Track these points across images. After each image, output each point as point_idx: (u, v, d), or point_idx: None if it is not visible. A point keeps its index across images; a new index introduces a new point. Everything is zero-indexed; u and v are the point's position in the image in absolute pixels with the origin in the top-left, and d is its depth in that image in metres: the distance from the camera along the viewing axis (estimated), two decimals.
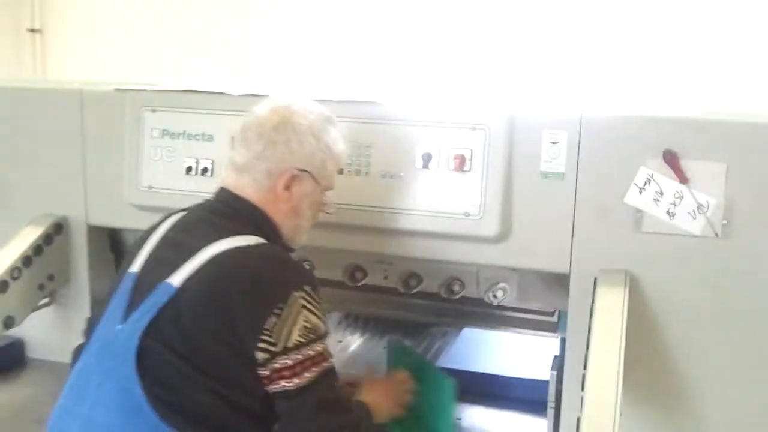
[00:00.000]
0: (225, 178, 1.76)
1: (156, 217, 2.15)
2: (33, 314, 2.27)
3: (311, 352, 1.56)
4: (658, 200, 1.83)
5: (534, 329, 2.25)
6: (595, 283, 1.86)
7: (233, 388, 1.55)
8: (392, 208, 1.98)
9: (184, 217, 1.76)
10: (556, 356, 2.14)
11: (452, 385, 1.99)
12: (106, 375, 1.58)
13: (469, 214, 1.94)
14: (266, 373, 1.55)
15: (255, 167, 1.71)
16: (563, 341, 2.04)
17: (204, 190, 2.09)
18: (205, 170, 2.13)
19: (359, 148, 2.00)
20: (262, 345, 1.53)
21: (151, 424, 1.51)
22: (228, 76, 4.40)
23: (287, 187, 1.71)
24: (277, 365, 1.53)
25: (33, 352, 2.42)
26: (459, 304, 2.26)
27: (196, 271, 1.57)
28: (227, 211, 1.71)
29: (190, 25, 4.90)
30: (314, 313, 1.58)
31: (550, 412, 2.03)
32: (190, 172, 2.14)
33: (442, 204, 1.95)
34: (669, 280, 1.86)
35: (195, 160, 2.14)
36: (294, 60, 4.63)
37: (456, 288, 2.22)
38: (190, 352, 1.55)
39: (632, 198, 1.85)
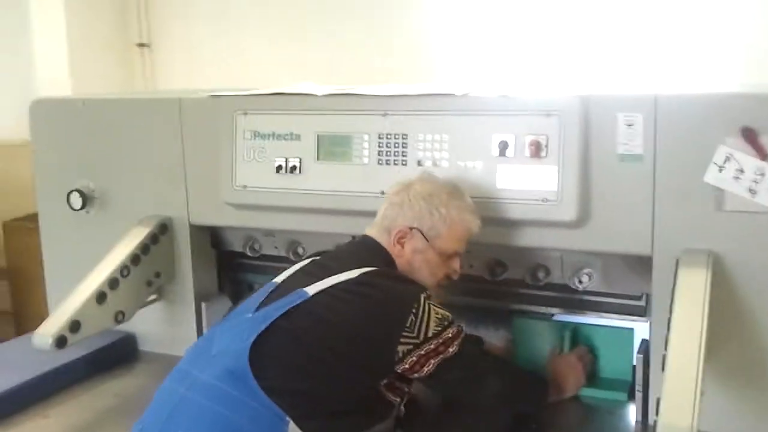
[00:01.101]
0: (367, 229, 2.01)
1: (253, 214, 2.30)
2: (142, 310, 2.43)
3: (449, 335, 1.80)
4: (738, 178, 1.81)
5: (622, 313, 2.25)
6: (677, 264, 1.85)
7: (348, 381, 1.75)
8: (472, 197, 2.02)
9: (332, 250, 2.03)
10: (643, 340, 2.13)
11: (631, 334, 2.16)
12: (224, 350, 1.75)
13: (547, 200, 1.97)
14: (410, 363, 1.76)
15: (380, 224, 1.97)
16: (651, 325, 2.04)
17: (294, 187, 2.22)
18: (294, 168, 2.23)
19: (436, 140, 2.06)
20: (404, 340, 1.75)
21: (251, 393, 1.66)
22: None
23: (400, 242, 1.93)
24: (422, 352, 1.76)
25: (144, 345, 2.58)
26: (546, 290, 2.28)
27: (331, 285, 1.79)
28: (365, 249, 1.96)
29: (286, 36, 5.07)
30: (438, 307, 1.82)
31: (638, 395, 2.03)
32: (281, 171, 2.25)
33: (519, 191, 1.99)
34: (753, 259, 1.84)
35: (284, 159, 2.25)
36: (374, 63, 4.72)
37: (541, 274, 2.25)
38: (315, 347, 1.74)
39: (712, 177, 1.83)
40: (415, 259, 1.93)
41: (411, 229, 1.92)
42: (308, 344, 1.73)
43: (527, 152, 1.97)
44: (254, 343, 1.70)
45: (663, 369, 1.65)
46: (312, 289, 1.78)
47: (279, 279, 1.90)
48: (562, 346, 2.26)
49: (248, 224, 2.39)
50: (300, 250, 2.51)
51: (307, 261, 1.97)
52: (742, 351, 1.87)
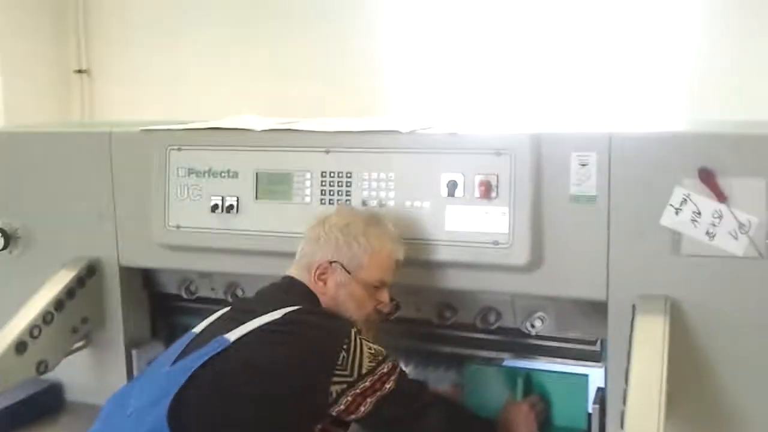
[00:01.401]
0: (288, 270, 1.90)
1: (187, 256, 2.17)
2: (70, 357, 2.27)
3: (384, 370, 1.71)
4: (696, 221, 1.74)
5: (577, 359, 2.16)
6: (633, 311, 1.77)
7: (278, 429, 1.64)
8: (418, 239, 1.92)
9: (256, 293, 1.91)
10: (599, 388, 2.04)
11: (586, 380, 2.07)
12: (141, 409, 1.62)
13: (498, 243, 1.87)
14: (344, 404, 1.66)
15: (299, 263, 1.88)
16: (606, 372, 1.95)
17: (231, 227, 2.10)
18: (230, 207, 2.11)
19: (382, 179, 1.95)
20: (337, 379, 1.65)
21: None
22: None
23: (321, 278, 1.83)
24: (357, 391, 1.66)
25: (71, 394, 2.41)
26: (497, 334, 2.19)
27: (255, 328, 1.67)
28: (287, 289, 1.85)
29: (230, 64, 4.94)
30: (370, 342, 1.73)
31: None
32: (216, 210, 2.12)
33: (469, 233, 1.89)
34: (712, 305, 1.76)
35: (221, 198, 2.12)
36: (322, 94, 4.62)
37: (492, 318, 2.16)
38: (239, 397, 1.61)
39: (669, 219, 1.76)
40: (340, 294, 1.83)
41: (331, 263, 1.82)
42: (233, 393, 1.61)
43: (477, 193, 1.87)
44: (173, 399, 1.57)
45: (622, 426, 1.56)
46: (233, 335, 1.67)
47: (197, 329, 1.78)
48: (514, 394, 2.16)
49: (182, 266, 2.25)
50: (239, 292, 2.38)
51: (226, 309, 1.85)
52: (702, 403, 1.79)
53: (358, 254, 1.82)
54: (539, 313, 2.10)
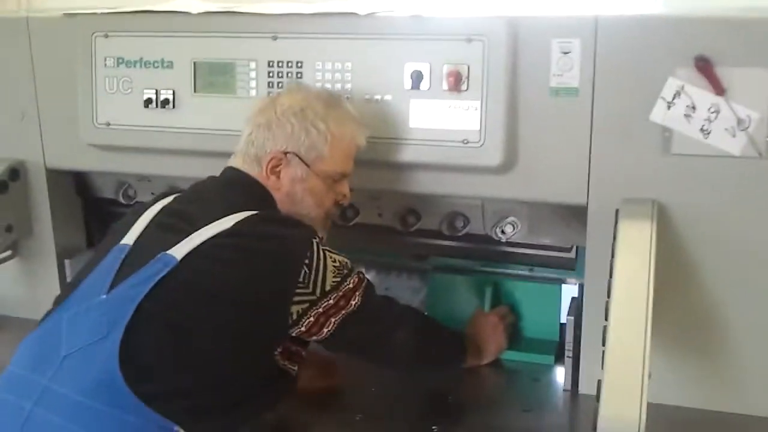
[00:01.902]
0: (230, 160, 1.65)
1: (119, 157, 1.94)
2: None
3: (350, 286, 1.52)
4: (689, 116, 1.55)
5: (550, 266, 2.00)
6: (617, 216, 1.60)
7: (238, 362, 1.42)
8: (379, 137, 1.71)
9: (187, 191, 1.64)
10: (573, 298, 1.90)
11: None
12: (82, 351, 1.36)
13: (468, 141, 1.67)
14: (306, 325, 1.48)
15: (246, 153, 1.62)
16: (581, 286, 1.79)
17: (167, 124, 1.87)
18: (166, 102, 1.87)
19: (337, 69, 1.72)
20: (298, 299, 1.46)
21: (125, 405, 1.31)
22: None
23: (274, 172, 1.59)
24: (320, 310, 1.48)
25: (1, 308, 2.21)
26: (464, 241, 2.01)
27: (202, 243, 1.43)
28: (234, 186, 1.60)
29: None
30: (334, 253, 1.53)
31: (568, 361, 1.79)
32: (150, 105, 1.88)
33: (436, 130, 1.69)
34: (703, 210, 1.60)
35: (154, 91, 1.88)
36: None
37: (459, 224, 1.98)
38: (194, 328, 1.39)
39: (659, 115, 1.57)
40: (296, 190, 1.60)
41: (285, 154, 1.58)
42: (187, 328, 1.38)
43: (445, 85, 1.66)
44: (121, 339, 1.33)
45: (603, 342, 1.40)
46: (178, 251, 1.41)
47: (129, 239, 1.50)
48: (482, 304, 2.00)
49: (114, 168, 2.02)
50: None
51: (157, 208, 1.56)
52: (688, 313, 1.65)
53: (318, 143, 1.58)
54: (511, 219, 1.93)
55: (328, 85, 1.74)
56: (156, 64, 1.87)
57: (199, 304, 1.39)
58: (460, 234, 1.99)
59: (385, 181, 1.77)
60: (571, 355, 1.79)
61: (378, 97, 1.71)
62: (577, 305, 1.82)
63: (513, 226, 1.94)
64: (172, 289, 1.39)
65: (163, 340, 1.37)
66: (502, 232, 1.95)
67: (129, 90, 1.90)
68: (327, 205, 1.64)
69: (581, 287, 1.80)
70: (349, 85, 1.72)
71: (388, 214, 2.00)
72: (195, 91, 1.85)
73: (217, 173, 1.67)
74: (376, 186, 1.80)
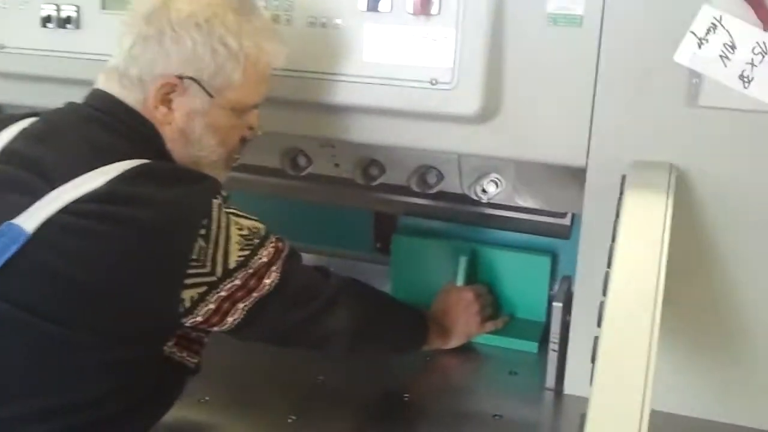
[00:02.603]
0: (98, 79, 1.23)
1: (14, 87, 1.58)
2: None
3: (263, 260, 1.16)
4: (727, 57, 1.18)
5: (538, 234, 1.66)
6: (622, 184, 1.25)
7: (117, 365, 1.10)
8: (326, 73, 1.35)
9: (39, 121, 1.21)
10: (563, 278, 1.56)
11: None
12: None
13: (437, 82, 1.30)
14: (204, 313, 1.12)
15: (124, 72, 1.19)
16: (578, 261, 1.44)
17: (66, 48, 1.50)
18: (67, 20, 1.50)
19: None
20: (191, 281, 1.09)
21: None
22: None
23: (165, 102, 1.19)
24: (223, 293, 1.12)
25: None
26: (437, 199, 1.67)
27: (62, 210, 1.06)
28: (103, 118, 1.18)
29: None
30: (241, 216, 1.17)
31: (553, 355, 1.47)
32: (49, 24, 1.51)
33: (397, 66, 1.32)
34: (737, 181, 1.24)
35: (55, 7, 1.50)
36: None
37: (431, 179, 1.63)
38: (56, 330, 1.05)
39: (686, 54, 1.20)
40: (193, 126, 1.21)
41: (182, 79, 1.18)
42: (46, 331, 1.04)
43: (409, 6, 1.27)
44: None
45: (593, 360, 1.07)
46: (29, 222, 1.05)
47: None
48: (455, 276, 1.67)
49: (6, 100, 1.66)
50: None
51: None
52: (706, 312, 1.32)
53: (226, 66, 1.18)
54: (493, 175, 1.58)
55: (267, 2, 1.36)
56: None
57: (60, 296, 1.05)
58: (432, 191, 1.65)
59: (332, 128, 1.41)
60: (557, 348, 1.46)
61: (324, 20, 1.33)
62: (567, 288, 1.49)
63: (496, 184, 1.59)
64: (23, 275, 1.04)
65: (14, 349, 1.03)
66: (483, 191, 1.61)
67: (24, 4, 1.53)
68: (232, 143, 1.26)
69: (577, 268, 1.45)
70: (287, 3, 1.34)
71: (346, 165, 1.65)
72: (104, 7, 1.48)
73: None
74: (319, 133, 1.44)
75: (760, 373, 1.32)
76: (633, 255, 1.15)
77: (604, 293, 1.13)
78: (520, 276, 1.67)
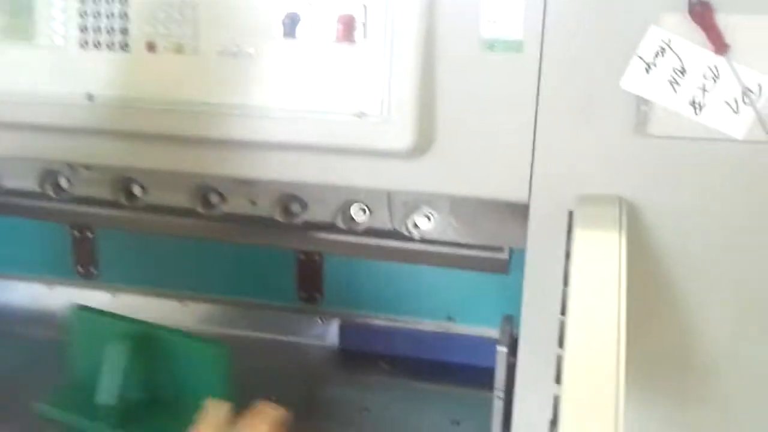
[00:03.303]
0: None
1: None
2: None
3: None
4: (676, 83, 1.09)
5: (474, 269, 1.55)
6: (570, 220, 1.15)
7: None
8: (236, 105, 1.20)
9: None
10: (504, 318, 1.45)
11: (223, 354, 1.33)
12: None
13: (364, 114, 1.18)
14: None
15: None
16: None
17: None
18: None
19: (176, 5, 1.19)
20: None
21: None
22: None
23: None
24: None
25: None
26: (364, 236, 1.54)
27: None
28: None
29: None
30: None
31: (498, 404, 1.35)
32: None
33: (319, 98, 1.18)
34: (691, 213, 1.16)
35: None
36: None
37: (359, 216, 1.50)
38: None
39: (634, 80, 1.11)
40: None
41: None
42: None
43: (333, 32, 1.14)
44: None
45: (557, 380, 0.97)
46: None
47: None
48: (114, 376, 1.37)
49: None
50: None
51: None
52: (667, 351, 1.23)
53: None
54: (426, 209, 1.46)
55: (164, 29, 1.21)
56: None
57: None
58: (359, 228, 1.52)
59: (247, 166, 1.27)
60: (502, 395, 1.35)
61: (236, 48, 1.19)
62: (510, 329, 1.38)
63: (428, 218, 1.47)
64: None
65: None
66: (415, 226, 1.49)
67: None
68: None
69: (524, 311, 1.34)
70: (196, 29, 1.20)
71: (265, 202, 1.51)
72: None
73: (24, 154, 1.14)
74: (234, 173, 1.30)
75: (731, 411, 1.24)
76: (589, 300, 1.05)
77: (561, 344, 1.03)
78: (193, 367, 1.40)
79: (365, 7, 1.13)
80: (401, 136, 1.18)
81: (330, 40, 1.15)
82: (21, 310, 1.87)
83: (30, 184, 1.64)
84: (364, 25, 1.14)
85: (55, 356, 1.67)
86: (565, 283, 1.09)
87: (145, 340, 1.37)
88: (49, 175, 1.63)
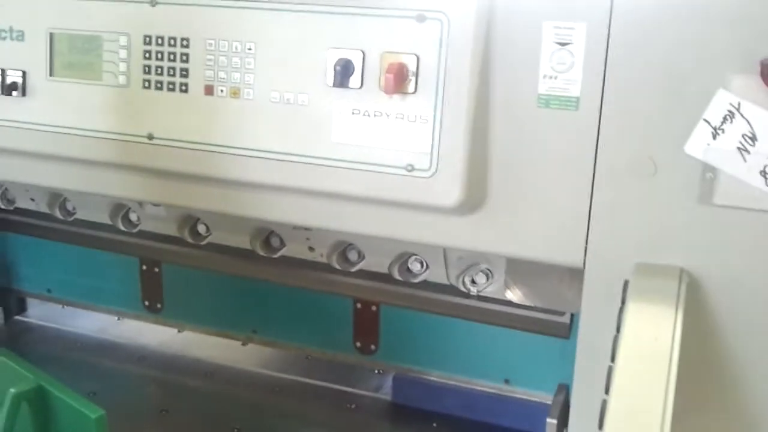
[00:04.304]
0: None
1: None
2: None
3: None
4: (746, 150, 1.01)
5: (532, 330, 1.48)
6: (624, 290, 1.07)
7: None
8: (286, 153, 1.19)
9: None
10: (559, 387, 1.37)
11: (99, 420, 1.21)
12: None
13: (413, 168, 1.14)
14: None
15: None
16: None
17: (14, 117, 1.35)
18: (13, 87, 1.35)
19: (235, 52, 1.20)
20: None
21: None
22: None
23: None
24: None
25: None
26: (420, 289, 1.50)
27: None
28: None
29: None
30: None
31: None
32: None
33: (368, 149, 1.16)
34: (758, 286, 1.06)
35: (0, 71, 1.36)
36: None
37: (415, 268, 1.47)
38: None
39: (699, 146, 1.03)
40: None
41: None
42: None
43: (382, 82, 1.12)
44: None
45: None
46: None
47: None
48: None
49: None
50: (70, 207, 1.70)
51: None
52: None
53: None
54: (483, 266, 1.41)
55: (223, 74, 1.22)
56: (2, 34, 1.36)
57: None
58: (415, 280, 1.49)
59: (299, 213, 1.25)
60: None
61: (289, 96, 1.18)
62: (564, 399, 1.31)
63: (486, 276, 1.43)
64: None
65: None
66: (473, 281, 1.44)
67: None
68: None
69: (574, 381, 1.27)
70: (250, 76, 1.20)
71: (322, 249, 1.49)
72: (51, 73, 1.34)
73: (88, 189, 1.16)
74: (285, 219, 1.28)
75: None
76: (635, 381, 0.97)
77: (600, 425, 0.96)
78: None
79: (417, 56, 1.10)
80: (450, 192, 1.14)
81: (379, 89, 1.12)
82: (89, 339, 1.91)
83: (102, 217, 1.68)
84: (416, 75, 1.11)
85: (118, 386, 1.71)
86: (612, 358, 1.02)
87: (38, 396, 1.26)
88: (120, 210, 1.67)
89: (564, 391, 1.35)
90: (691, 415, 1.11)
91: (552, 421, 1.26)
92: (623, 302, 1.07)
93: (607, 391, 0.98)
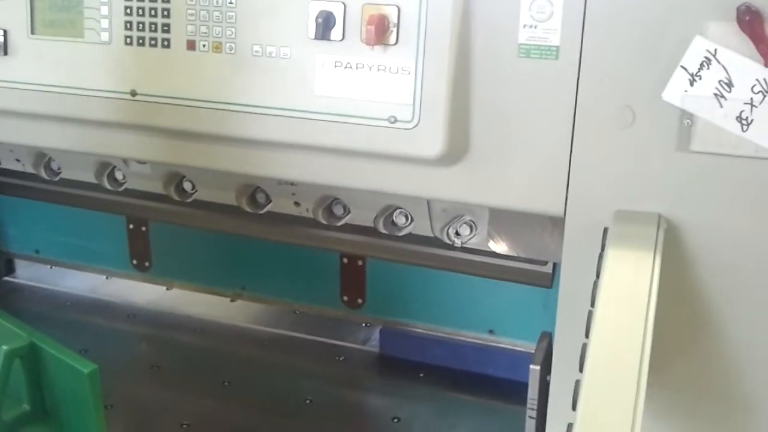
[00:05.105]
0: None
1: None
2: None
3: None
4: (722, 96, 1.03)
5: (517, 281, 1.51)
6: (604, 237, 1.09)
7: None
8: (270, 107, 1.20)
9: None
10: (542, 335, 1.40)
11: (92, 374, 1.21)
12: None
13: (395, 120, 1.15)
14: None
15: None
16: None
17: None
18: None
19: (216, 6, 1.20)
20: None
21: None
22: None
23: None
24: None
25: None
26: (405, 242, 1.52)
27: None
28: None
29: None
30: None
31: (530, 423, 1.31)
32: None
33: (351, 102, 1.17)
34: (734, 231, 1.09)
35: None
36: None
37: (400, 221, 1.49)
38: None
39: (677, 92, 1.05)
40: None
41: None
42: None
43: (364, 34, 1.12)
44: None
45: (573, 408, 0.92)
46: None
47: None
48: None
49: None
50: (55, 167, 1.70)
51: None
52: (698, 380, 1.16)
53: None
54: (467, 218, 1.43)
55: (204, 28, 1.22)
56: None
57: None
58: (400, 233, 1.50)
59: (282, 167, 1.26)
60: (534, 414, 1.30)
61: (271, 49, 1.19)
62: (546, 346, 1.33)
63: (470, 227, 1.44)
64: None
65: None
66: (457, 233, 1.46)
67: None
68: None
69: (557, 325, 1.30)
70: (231, 31, 1.20)
71: (308, 203, 1.51)
72: (33, 32, 1.33)
73: (70, 147, 1.16)
74: (268, 173, 1.29)
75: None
76: (614, 324, 1.00)
77: (581, 368, 0.99)
78: (67, 384, 1.26)
79: (398, 7, 1.11)
80: (432, 143, 1.15)
81: (361, 41, 1.13)
82: (79, 299, 1.93)
83: (88, 176, 1.69)
84: (397, 26, 1.11)
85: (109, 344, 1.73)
86: (592, 304, 1.04)
87: (30, 353, 1.25)
88: (106, 168, 1.67)
89: (547, 338, 1.37)
90: (669, 358, 1.14)
91: (535, 368, 1.29)
92: (603, 249, 1.09)
93: (587, 335, 1.00)
